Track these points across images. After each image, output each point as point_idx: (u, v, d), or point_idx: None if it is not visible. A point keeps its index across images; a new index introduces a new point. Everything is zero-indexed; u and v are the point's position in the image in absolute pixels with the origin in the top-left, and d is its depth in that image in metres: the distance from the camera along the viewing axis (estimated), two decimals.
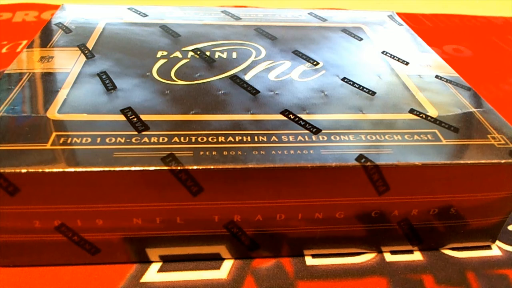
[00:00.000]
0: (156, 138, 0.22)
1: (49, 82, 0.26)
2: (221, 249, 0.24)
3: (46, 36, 0.32)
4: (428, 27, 0.59)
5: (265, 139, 0.22)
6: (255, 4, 0.63)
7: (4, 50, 0.45)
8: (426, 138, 0.23)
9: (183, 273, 0.24)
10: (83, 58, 0.29)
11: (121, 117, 0.24)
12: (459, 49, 0.53)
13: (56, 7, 0.57)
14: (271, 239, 0.24)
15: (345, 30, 0.36)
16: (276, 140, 0.22)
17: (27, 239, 0.22)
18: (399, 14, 0.63)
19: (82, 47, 0.31)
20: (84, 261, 0.23)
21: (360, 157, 0.22)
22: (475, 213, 0.24)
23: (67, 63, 0.29)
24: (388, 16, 0.40)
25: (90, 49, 0.30)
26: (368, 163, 0.21)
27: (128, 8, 0.38)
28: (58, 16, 0.36)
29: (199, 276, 0.24)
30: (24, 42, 0.47)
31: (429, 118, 0.25)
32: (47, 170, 0.20)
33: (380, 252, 0.26)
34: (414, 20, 0.51)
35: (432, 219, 0.24)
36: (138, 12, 0.37)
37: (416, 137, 0.23)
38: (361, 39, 0.35)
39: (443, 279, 0.24)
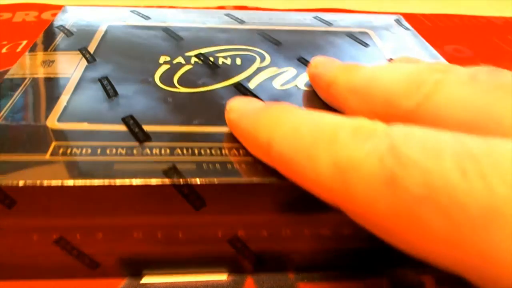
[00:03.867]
0: (157, 150, 0.21)
1: (50, 88, 0.26)
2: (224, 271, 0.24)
3: (47, 39, 0.32)
4: (428, 27, 0.58)
5: None
6: (255, 4, 0.62)
7: (4, 50, 0.45)
8: None
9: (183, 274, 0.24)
10: (84, 63, 0.29)
11: (122, 127, 0.23)
12: (459, 49, 0.52)
13: (56, 7, 0.56)
14: (276, 254, 0.23)
15: (350, 35, 0.35)
16: None
17: (25, 253, 0.22)
18: (397, 14, 0.62)
19: (84, 51, 0.30)
20: (83, 275, 0.23)
21: None
22: None
23: (68, 67, 0.28)
24: (394, 20, 0.39)
25: (92, 53, 0.30)
26: None
27: (131, 11, 0.37)
28: (59, 18, 0.35)
29: (199, 277, 0.23)
30: (24, 42, 0.46)
31: None
32: (45, 183, 0.19)
33: (390, 268, 0.25)
34: (414, 20, 0.50)
35: None
36: (141, 15, 0.36)
37: None
38: (367, 45, 0.34)
39: (443, 278, 0.24)
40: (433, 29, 0.58)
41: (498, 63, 0.49)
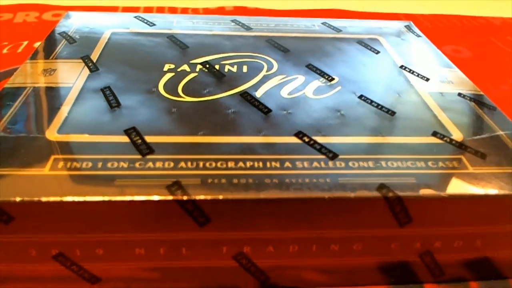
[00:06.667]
0: (161, 163, 0.21)
1: (50, 98, 0.25)
2: None
3: (49, 47, 0.31)
4: (427, 28, 0.58)
5: (278, 165, 0.21)
6: (255, 3, 0.62)
7: (5, 51, 0.44)
8: (451, 166, 0.22)
9: None
10: (86, 71, 0.28)
11: (125, 139, 0.22)
12: (458, 49, 0.51)
13: (57, 7, 0.56)
14: (284, 271, 0.22)
15: (360, 42, 0.34)
16: (290, 166, 0.21)
17: (23, 268, 0.21)
18: (397, 14, 0.61)
19: (86, 59, 0.29)
20: None
21: (381, 187, 0.20)
22: (504, 246, 0.22)
23: (70, 76, 0.27)
24: (405, 26, 0.38)
25: (94, 61, 0.29)
26: (390, 194, 0.20)
27: (135, 17, 0.36)
28: (62, 24, 0.34)
29: None
30: (25, 43, 0.46)
31: (453, 142, 0.23)
32: (43, 199, 0.18)
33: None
34: (413, 21, 0.50)
35: (457, 252, 0.22)
36: (145, 21, 0.35)
37: (440, 164, 0.22)
38: (378, 52, 0.33)
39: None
40: (432, 29, 0.58)
41: (496, 63, 0.48)
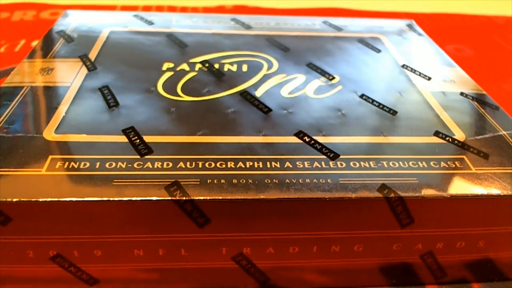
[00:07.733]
0: (159, 163, 0.20)
1: (48, 97, 0.25)
2: None
3: (47, 46, 0.31)
4: (428, 27, 0.58)
5: (278, 165, 0.21)
6: (255, 3, 0.61)
7: (2, 50, 0.44)
8: (453, 166, 0.21)
9: None
10: (84, 71, 0.28)
11: (123, 138, 0.22)
12: (460, 48, 0.51)
13: (54, 6, 0.55)
14: (284, 272, 0.22)
15: (362, 41, 0.34)
16: (290, 166, 0.21)
17: (20, 269, 0.21)
18: (399, 13, 0.61)
19: (84, 58, 0.29)
20: None
21: (382, 188, 0.20)
22: (506, 247, 0.22)
23: (68, 76, 0.27)
24: (407, 25, 0.38)
25: (92, 60, 0.29)
26: (392, 195, 0.19)
27: (134, 15, 0.36)
28: (60, 23, 0.34)
29: None
30: (23, 41, 0.46)
31: (456, 142, 0.23)
32: (40, 200, 0.18)
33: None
34: (415, 20, 0.50)
35: (459, 253, 0.22)
36: (144, 20, 0.35)
37: (443, 164, 0.22)
38: (379, 50, 0.33)
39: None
40: (434, 28, 0.57)
41: (499, 62, 0.48)
